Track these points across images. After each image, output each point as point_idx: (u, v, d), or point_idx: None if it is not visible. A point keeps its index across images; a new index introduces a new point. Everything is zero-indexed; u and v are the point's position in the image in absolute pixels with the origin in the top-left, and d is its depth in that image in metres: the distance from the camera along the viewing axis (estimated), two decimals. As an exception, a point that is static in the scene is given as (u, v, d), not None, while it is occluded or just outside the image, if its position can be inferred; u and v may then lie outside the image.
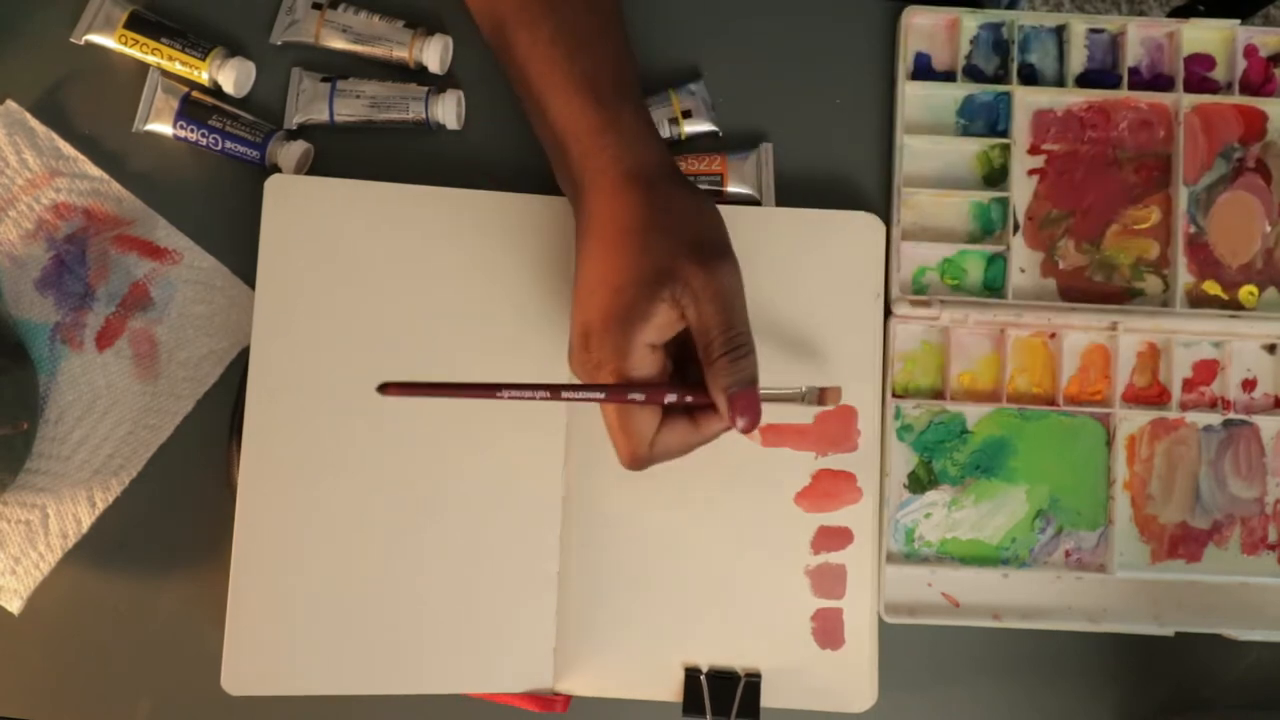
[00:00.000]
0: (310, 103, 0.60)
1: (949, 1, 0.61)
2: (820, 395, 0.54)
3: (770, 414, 0.57)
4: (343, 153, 0.60)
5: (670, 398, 0.48)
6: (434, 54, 0.59)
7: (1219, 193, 0.61)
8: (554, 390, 0.48)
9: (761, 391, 0.49)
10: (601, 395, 0.48)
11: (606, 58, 0.52)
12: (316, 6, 0.60)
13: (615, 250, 0.48)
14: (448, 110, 0.59)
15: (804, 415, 0.58)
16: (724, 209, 0.59)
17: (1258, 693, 0.59)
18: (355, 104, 0.59)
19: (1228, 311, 0.60)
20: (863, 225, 0.59)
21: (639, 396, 0.48)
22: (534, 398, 0.48)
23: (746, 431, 0.48)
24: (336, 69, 0.60)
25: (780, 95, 0.61)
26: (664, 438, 0.49)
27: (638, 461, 0.49)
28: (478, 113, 0.61)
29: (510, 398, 0.47)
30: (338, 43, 0.60)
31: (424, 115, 0.59)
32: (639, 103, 0.53)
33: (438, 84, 0.60)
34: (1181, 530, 0.59)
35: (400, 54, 0.60)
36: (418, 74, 0.61)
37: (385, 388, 0.44)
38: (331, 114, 0.59)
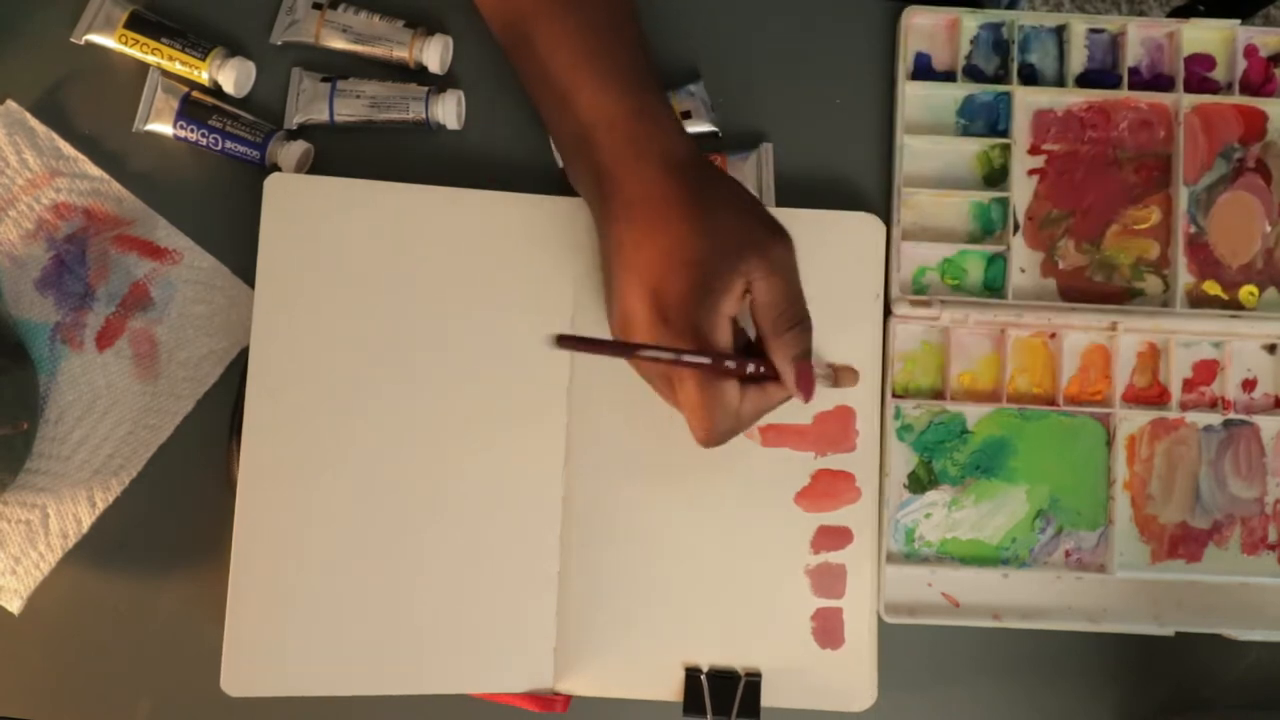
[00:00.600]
0: (310, 103, 0.60)
1: (949, 1, 0.61)
2: (836, 376, 0.56)
3: (770, 414, 0.57)
4: (343, 153, 0.60)
5: (751, 368, 0.50)
6: (434, 54, 0.59)
7: (1219, 193, 0.61)
8: (682, 356, 0.48)
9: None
10: (730, 364, 0.49)
11: (633, 46, 0.53)
12: (317, 6, 0.60)
13: (685, 226, 0.49)
14: (448, 110, 0.59)
15: (804, 415, 0.58)
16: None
17: (1258, 693, 0.59)
18: (355, 104, 0.59)
19: (1228, 311, 0.60)
20: (863, 225, 0.59)
21: (750, 365, 0.50)
22: (676, 360, 0.48)
23: (807, 400, 0.50)
24: (336, 69, 0.60)
25: (780, 95, 0.61)
26: (746, 404, 0.50)
27: (717, 436, 0.50)
28: (478, 113, 0.61)
29: (649, 358, 0.48)
30: (338, 43, 0.60)
31: (424, 115, 0.59)
32: (663, 91, 0.53)
33: (438, 84, 0.60)
34: (1181, 530, 0.59)
35: (400, 54, 0.60)
36: (418, 74, 0.61)
37: (560, 340, 0.47)
38: (331, 114, 0.59)
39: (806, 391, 0.50)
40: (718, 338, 0.49)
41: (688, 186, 0.50)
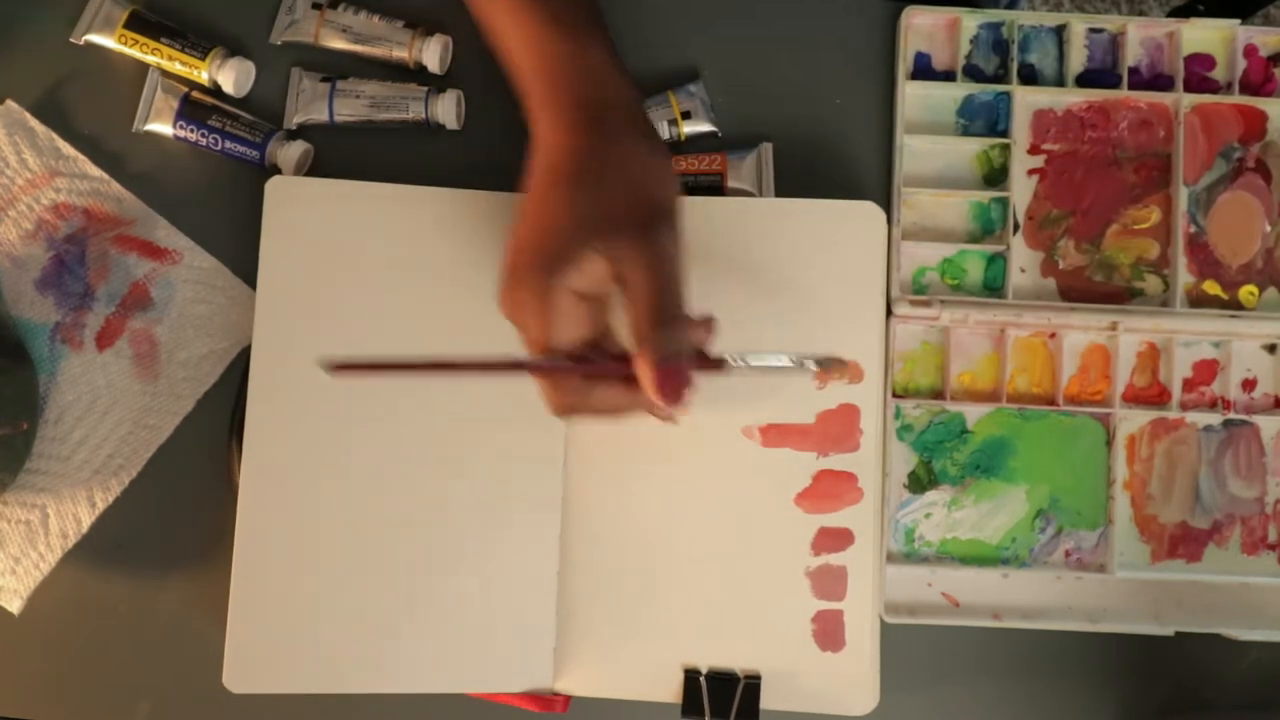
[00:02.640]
0: (310, 103, 0.60)
1: (949, 1, 0.61)
2: (825, 369, 0.51)
3: (771, 414, 0.57)
4: (343, 153, 0.60)
5: (602, 366, 0.46)
6: (433, 54, 0.59)
7: (1219, 192, 0.61)
8: (488, 365, 0.46)
9: (750, 362, 0.47)
10: (520, 365, 0.46)
11: None
12: (316, 6, 0.60)
13: (554, 190, 0.46)
14: (447, 110, 0.59)
15: (807, 414, 0.58)
16: (726, 200, 0.59)
17: (1258, 693, 0.59)
18: (355, 104, 0.59)
19: (1228, 311, 0.60)
20: (864, 214, 0.58)
21: (561, 364, 0.46)
22: (480, 370, 0.47)
23: (669, 405, 0.44)
24: (336, 69, 0.60)
25: (780, 95, 0.61)
26: (599, 396, 0.47)
27: (565, 411, 0.48)
28: (478, 113, 0.61)
29: (467, 369, 0.46)
30: (337, 43, 0.60)
31: (424, 115, 0.59)
32: (608, 39, 0.50)
33: (437, 84, 0.60)
34: (1181, 530, 0.59)
35: (400, 54, 0.60)
36: (417, 74, 0.61)
37: (334, 367, 0.44)
38: (331, 114, 0.59)
39: (668, 396, 0.44)
40: (552, 309, 0.45)
41: (578, 150, 0.47)
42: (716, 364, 0.47)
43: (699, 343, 0.47)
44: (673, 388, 0.44)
